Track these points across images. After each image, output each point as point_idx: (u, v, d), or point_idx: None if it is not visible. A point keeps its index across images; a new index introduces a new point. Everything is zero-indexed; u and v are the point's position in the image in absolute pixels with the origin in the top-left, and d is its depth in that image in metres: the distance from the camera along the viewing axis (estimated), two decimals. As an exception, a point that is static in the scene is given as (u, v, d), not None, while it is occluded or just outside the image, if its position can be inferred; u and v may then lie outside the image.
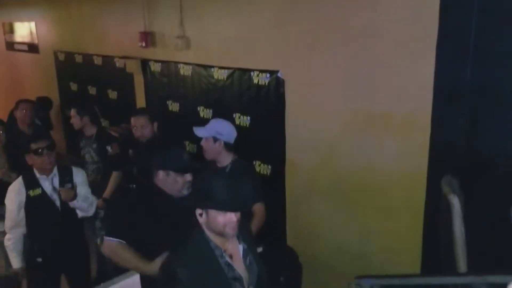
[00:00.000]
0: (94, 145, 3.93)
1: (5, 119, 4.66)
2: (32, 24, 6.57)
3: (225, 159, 2.87)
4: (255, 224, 2.91)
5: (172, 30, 3.88)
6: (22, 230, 2.94)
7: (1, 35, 7.53)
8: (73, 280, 3.18)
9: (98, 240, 3.60)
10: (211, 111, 3.72)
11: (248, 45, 3.31)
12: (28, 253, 2.98)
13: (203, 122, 3.71)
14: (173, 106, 4.15)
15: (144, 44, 4.25)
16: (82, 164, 3.98)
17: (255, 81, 3.25)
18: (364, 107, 2.71)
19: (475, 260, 1.88)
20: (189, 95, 3.93)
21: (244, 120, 3.42)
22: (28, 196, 2.92)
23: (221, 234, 1.74)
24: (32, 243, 2.97)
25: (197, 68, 3.75)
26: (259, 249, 3.18)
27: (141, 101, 4.60)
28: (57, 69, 6.26)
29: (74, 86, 5.93)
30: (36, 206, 2.93)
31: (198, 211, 1.75)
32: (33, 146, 2.91)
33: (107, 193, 3.77)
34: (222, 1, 3.48)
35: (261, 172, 3.38)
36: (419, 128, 2.45)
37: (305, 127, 3.11)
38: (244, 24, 3.32)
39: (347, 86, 2.78)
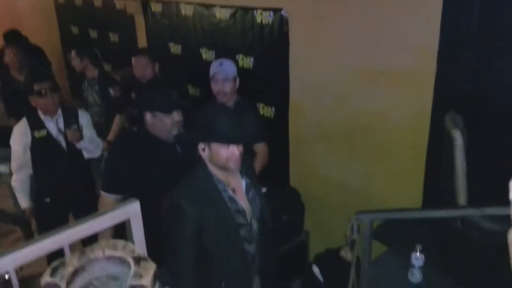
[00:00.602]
0: (96, 88, 3.92)
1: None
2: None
3: (232, 99, 2.88)
4: (258, 164, 2.94)
5: (172, -32, 3.73)
6: (28, 171, 3.00)
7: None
8: (82, 219, 3.28)
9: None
10: (213, 52, 3.65)
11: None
12: (35, 193, 3.06)
13: (206, 64, 3.66)
14: (175, 49, 4.07)
15: (143, -16, 4.12)
16: (85, 107, 3.99)
17: (258, 20, 3.16)
18: (372, 47, 2.64)
19: (476, 196, 1.91)
20: (191, 37, 3.84)
21: (247, 61, 3.36)
22: (33, 138, 2.95)
23: (224, 168, 1.76)
24: (39, 184, 3.03)
25: (199, 7, 3.64)
26: (263, 189, 3.26)
27: (142, 44, 4.51)
28: (57, 12, 6.12)
29: (75, 30, 5.82)
30: (42, 148, 2.97)
31: (201, 145, 1.77)
32: (36, 87, 2.89)
33: (111, 136, 3.80)
34: None
35: (264, 114, 3.37)
36: (425, 67, 2.40)
37: (309, 69, 3.05)
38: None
39: (354, 23, 2.69)
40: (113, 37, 5.06)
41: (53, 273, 1.01)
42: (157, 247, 1.38)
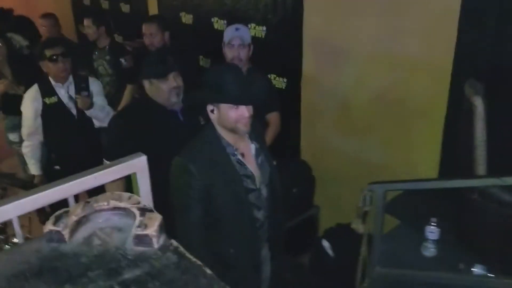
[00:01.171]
0: (108, 57, 3.87)
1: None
2: None
3: (245, 67, 2.81)
4: (270, 133, 2.89)
5: None
6: (39, 137, 2.99)
7: None
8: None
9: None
10: (225, 22, 3.57)
11: None
12: (46, 161, 3.05)
13: (218, 34, 3.58)
14: (187, 18, 3.99)
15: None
16: (96, 77, 3.95)
17: (274, -12, 3.07)
18: (391, 10, 2.54)
19: (495, 168, 1.83)
20: (203, 6, 3.75)
21: (259, 30, 3.27)
22: (44, 104, 2.93)
23: (233, 130, 1.70)
24: (49, 151, 3.02)
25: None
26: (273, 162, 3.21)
27: (153, 13, 4.43)
28: (69, -17, 6.05)
29: (86, 0, 5.75)
30: (53, 114, 2.95)
31: (210, 107, 1.71)
32: (48, 52, 2.86)
33: (121, 106, 3.76)
34: None
35: (276, 85, 3.30)
36: (445, 32, 2.30)
37: (324, 39, 2.96)
38: None
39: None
40: (125, 8, 4.99)
41: (57, 221, 0.97)
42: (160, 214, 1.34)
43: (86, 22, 3.85)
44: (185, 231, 1.66)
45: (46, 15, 4.32)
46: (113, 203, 1.03)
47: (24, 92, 3.23)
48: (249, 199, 1.77)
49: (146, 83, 2.20)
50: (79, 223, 0.99)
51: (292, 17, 3.03)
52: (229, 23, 3.51)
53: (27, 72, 3.40)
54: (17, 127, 3.35)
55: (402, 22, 2.49)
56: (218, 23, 3.64)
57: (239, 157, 1.75)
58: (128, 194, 1.07)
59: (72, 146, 3.01)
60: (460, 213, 2.08)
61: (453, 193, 1.97)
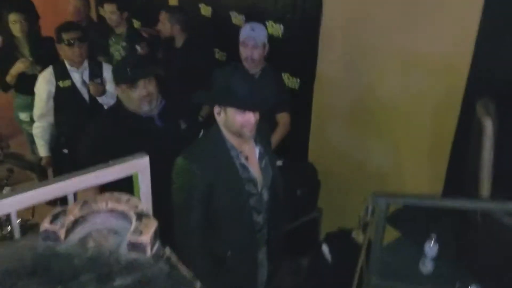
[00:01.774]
0: (124, 43, 3.88)
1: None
2: None
3: (259, 66, 2.81)
4: (279, 133, 2.90)
5: None
6: (50, 119, 3.02)
7: None
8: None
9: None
10: (243, 17, 3.55)
11: None
12: (54, 143, 3.09)
13: (235, 28, 3.57)
14: (206, 10, 3.97)
15: None
16: (110, 62, 3.97)
17: (294, -13, 3.05)
18: (409, 25, 2.50)
19: (500, 190, 1.81)
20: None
21: (276, 28, 3.25)
22: (57, 87, 2.96)
23: (238, 134, 1.71)
24: (59, 134, 3.06)
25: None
26: (279, 162, 3.21)
27: (173, 1, 4.43)
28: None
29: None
30: (65, 98, 2.99)
31: (216, 109, 1.71)
32: (65, 36, 2.88)
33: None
34: None
35: (289, 85, 3.29)
36: (461, 51, 2.26)
37: (340, 43, 2.93)
38: None
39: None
40: (145, -6, 4.98)
41: (53, 220, 0.98)
42: None
43: (110, 7, 3.84)
44: (185, 231, 1.68)
45: None
46: (111, 205, 1.03)
47: (40, 72, 3.27)
48: (249, 203, 1.77)
49: (117, 89, 2.10)
50: (76, 222, 1.00)
51: (310, 17, 3.01)
52: (247, 19, 3.50)
53: (45, 52, 3.43)
54: (28, 106, 3.39)
55: (421, 25, 2.46)
56: (236, 18, 3.63)
57: (243, 160, 1.75)
58: (127, 196, 1.08)
59: (81, 131, 3.04)
60: (461, 232, 2.06)
61: (456, 211, 1.95)
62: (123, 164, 1.12)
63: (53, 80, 2.95)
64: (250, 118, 1.65)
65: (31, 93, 3.10)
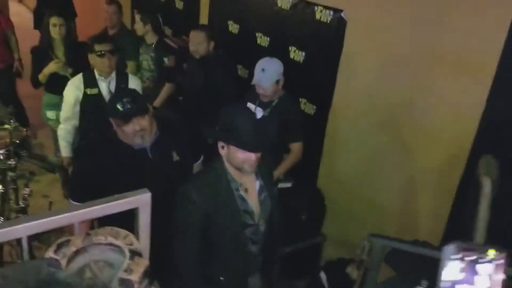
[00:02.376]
0: (153, 54, 4.04)
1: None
2: None
3: (276, 95, 2.88)
4: (289, 161, 2.98)
5: None
6: (75, 122, 3.18)
7: None
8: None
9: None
10: (268, 39, 3.65)
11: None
12: (77, 146, 3.25)
13: (259, 49, 3.68)
14: (233, 27, 4.09)
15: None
16: (138, 69, 4.14)
17: (318, 16, 3.11)
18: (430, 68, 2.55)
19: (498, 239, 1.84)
20: (250, 19, 3.85)
21: (298, 54, 3.33)
22: (85, 93, 3.12)
23: (239, 169, 1.80)
24: (81, 137, 3.21)
25: (264, -8, 3.63)
26: (288, 185, 3.29)
27: (204, 15, 4.56)
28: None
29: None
30: (91, 105, 3.13)
31: (221, 143, 1.81)
32: (96, 47, 3.04)
33: (157, 102, 3.95)
34: None
35: (306, 111, 3.36)
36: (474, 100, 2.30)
37: (358, 75, 2.99)
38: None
39: (413, 39, 2.60)
40: (179, 4, 5.14)
41: (57, 249, 1.10)
42: None
43: (136, 17, 4.03)
44: (181, 255, 1.78)
45: (111, 2, 4.46)
46: (110, 239, 1.14)
47: (71, 74, 3.44)
48: (245, 234, 1.86)
49: (111, 121, 2.11)
50: (77, 253, 1.12)
51: (332, 48, 3.07)
52: (271, 41, 3.60)
53: (78, 57, 3.60)
54: (56, 105, 3.56)
55: (436, 82, 2.51)
56: (261, 39, 3.73)
57: (242, 192, 1.84)
58: (125, 232, 1.19)
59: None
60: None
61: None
62: (126, 199, 1.23)
63: (82, 87, 3.11)
64: (251, 156, 1.74)
65: (60, 93, 3.27)
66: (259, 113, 1.87)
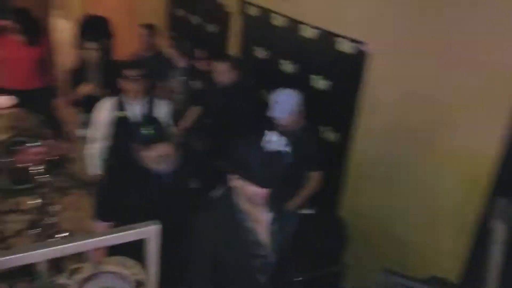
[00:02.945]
0: (182, 78, 4.19)
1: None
2: None
3: (295, 124, 2.90)
4: (308, 190, 3.01)
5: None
6: (105, 143, 3.32)
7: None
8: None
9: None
10: (292, 66, 3.72)
11: (340, 9, 3.19)
12: (105, 164, 3.38)
13: (283, 75, 3.74)
14: (261, 53, 4.19)
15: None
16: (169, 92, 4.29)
17: (341, 48, 3.16)
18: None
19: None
20: (277, 46, 3.93)
21: (320, 83, 3.38)
22: (115, 116, 3.26)
23: (249, 201, 1.84)
24: (109, 158, 3.35)
25: (290, 22, 3.71)
26: (310, 211, 3.29)
27: (234, 42, 4.68)
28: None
29: (179, 12, 6.16)
30: (119, 127, 3.27)
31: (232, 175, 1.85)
32: (127, 72, 3.19)
33: (184, 124, 4.06)
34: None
35: (328, 138, 3.39)
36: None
37: (380, 107, 3.00)
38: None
39: (438, 76, 2.61)
40: (210, 27, 5.29)
41: (70, 275, 1.18)
42: None
43: (168, 40, 4.20)
44: (192, 284, 1.83)
45: (146, 26, 4.65)
46: (118, 269, 1.22)
47: (103, 95, 3.60)
48: (254, 265, 1.88)
49: (136, 147, 2.22)
50: (87, 279, 1.19)
51: (353, 79, 3.10)
52: (295, 68, 3.65)
53: (111, 79, 3.77)
54: (87, 124, 3.73)
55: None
56: (286, 66, 3.79)
57: (252, 224, 1.88)
58: (133, 262, 1.26)
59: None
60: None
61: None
62: (136, 230, 1.30)
63: (112, 109, 3.26)
64: (260, 190, 1.78)
65: (90, 111, 3.43)
66: (275, 137, 1.91)
